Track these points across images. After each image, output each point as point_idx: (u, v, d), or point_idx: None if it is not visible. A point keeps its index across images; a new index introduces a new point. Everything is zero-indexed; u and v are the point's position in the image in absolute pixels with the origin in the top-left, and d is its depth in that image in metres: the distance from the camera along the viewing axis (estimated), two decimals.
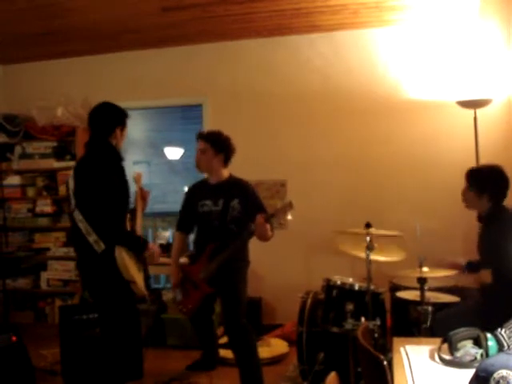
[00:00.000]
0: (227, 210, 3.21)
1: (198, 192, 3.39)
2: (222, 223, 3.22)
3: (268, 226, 2.98)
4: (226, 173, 3.32)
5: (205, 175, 3.46)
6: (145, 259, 2.88)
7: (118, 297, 2.73)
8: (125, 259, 2.64)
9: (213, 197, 3.26)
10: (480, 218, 2.90)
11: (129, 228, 2.89)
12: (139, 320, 2.99)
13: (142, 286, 2.75)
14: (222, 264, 3.16)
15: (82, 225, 2.66)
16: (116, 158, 2.82)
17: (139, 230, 3.01)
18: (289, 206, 2.98)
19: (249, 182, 3.36)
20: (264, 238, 3.04)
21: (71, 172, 2.86)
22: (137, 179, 3.20)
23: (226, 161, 3.30)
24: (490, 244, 2.76)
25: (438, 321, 2.81)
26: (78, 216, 2.68)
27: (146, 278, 2.86)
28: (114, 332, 2.77)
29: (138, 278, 2.74)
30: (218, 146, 3.26)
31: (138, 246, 2.80)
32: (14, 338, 3.25)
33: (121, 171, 2.82)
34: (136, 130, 5.12)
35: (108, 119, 2.83)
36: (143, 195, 3.15)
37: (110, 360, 2.78)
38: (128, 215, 2.90)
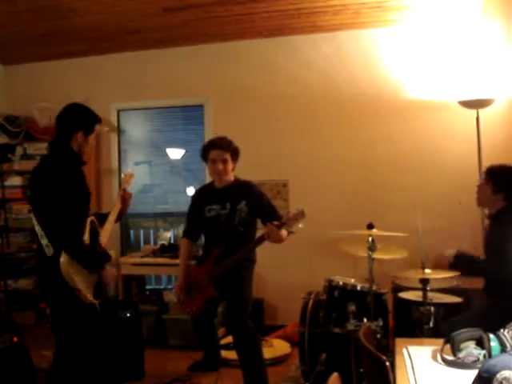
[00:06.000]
0: (234, 213, 3.21)
1: (205, 197, 3.37)
2: (230, 225, 3.21)
3: (282, 231, 2.99)
4: (232, 176, 3.33)
5: (210, 178, 3.41)
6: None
7: (68, 303, 2.58)
8: (68, 266, 2.48)
9: (220, 201, 3.25)
10: (490, 216, 2.89)
11: (88, 240, 2.58)
12: (97, 327, 2.76)
13: (87, 293, 2.54)
14: (229, 268, 3.16)
15: (37, 228, 2.57)
16: (72, 162, 2.62)
17: (106, 236, 2.75)
18: (301, 215, 2.96)
19: (255, 184, 3.37)
20: (278, 242, 3.04)
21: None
22: (125, 180, 3.02)
23: (234, 165, 3.32)
24: (495, 241, 2.74)
25: (443, 326, 2.79)
26: (33, 219, 2.59)
27: (98, 284, 2.62)
28: (68, 340, 2.66)
29: (83, 285, 2.53)
30: (235, 153, 3.27)
31: (89, 262, 2.54)
32: (15, 339, 3.24)
33: (78, 176, 2.63)
34: (137, 130, 5.13)
35: (69, 122, 2.64)
36: (125, 197, 2.92)
37: (63, 367, 2.72)
38: (92, 218, 2.68)
